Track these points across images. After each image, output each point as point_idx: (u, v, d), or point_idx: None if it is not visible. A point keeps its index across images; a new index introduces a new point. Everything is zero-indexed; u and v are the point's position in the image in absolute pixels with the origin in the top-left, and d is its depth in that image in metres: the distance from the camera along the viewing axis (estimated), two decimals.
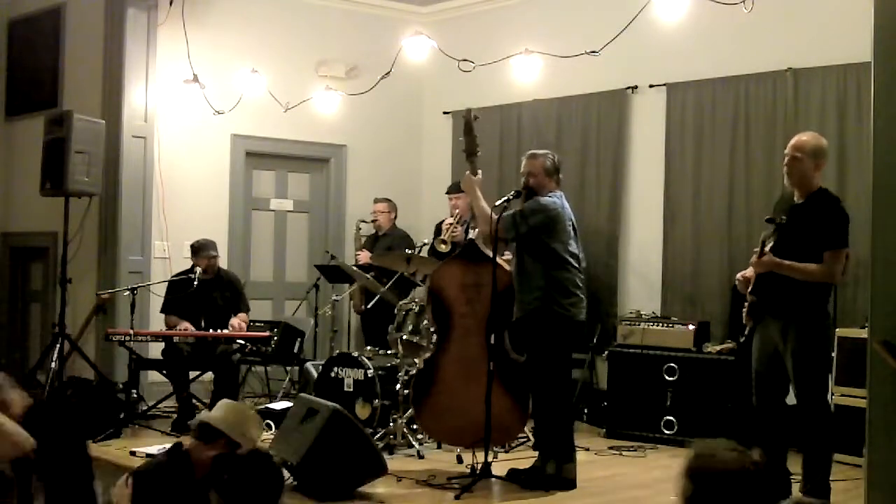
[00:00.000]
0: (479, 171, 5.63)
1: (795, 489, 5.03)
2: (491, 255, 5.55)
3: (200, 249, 7.28)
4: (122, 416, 6.68)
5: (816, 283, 4.88)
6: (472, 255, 5.80)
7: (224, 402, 4.19)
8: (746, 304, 5.03)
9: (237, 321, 7.18)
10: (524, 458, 5.92)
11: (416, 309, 6.50)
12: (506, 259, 5.88)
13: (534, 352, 5.52)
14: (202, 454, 3.87)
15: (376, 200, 8.54)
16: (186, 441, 4.00)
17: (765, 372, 5.07)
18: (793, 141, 5.06)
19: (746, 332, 5.13)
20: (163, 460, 3.99)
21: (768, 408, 5.09)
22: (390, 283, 7.19)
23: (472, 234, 5.93)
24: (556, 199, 5.51)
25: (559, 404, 5.48)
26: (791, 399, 5.04)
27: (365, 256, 8.25)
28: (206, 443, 3.88)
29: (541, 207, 5.44)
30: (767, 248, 4.84)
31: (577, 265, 5.51)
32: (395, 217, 8.49)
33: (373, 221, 8.51)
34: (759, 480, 2.46)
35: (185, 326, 7.10)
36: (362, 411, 6.37)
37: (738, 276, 5.14)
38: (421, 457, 6.08)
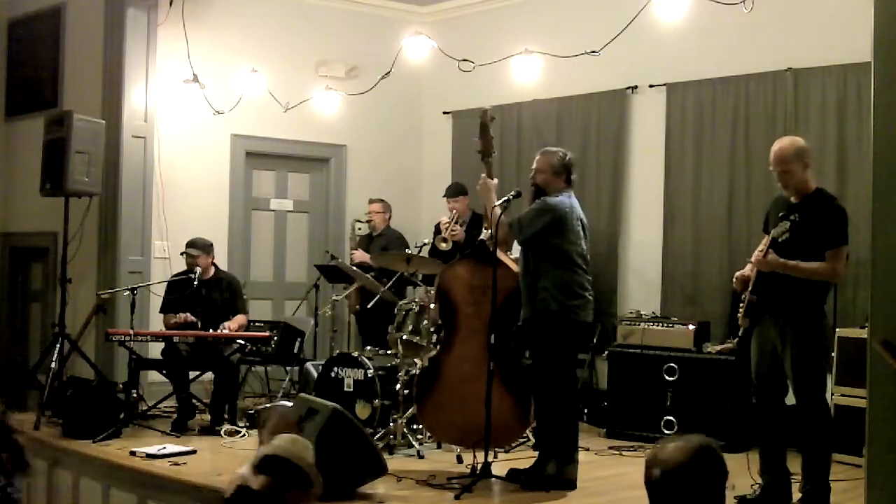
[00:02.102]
0: (496, 179, 5.62)
1: (795, 489, 5.05)
2: (502, 257, 5.55)
3: (185, 247, 7.29)
4: (122, 416, 6.68)
5: (815, 283, 4.90)
6: (481, 256, 5.79)
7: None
8: (742, 304, 5.04)
9: (231, 324, 7.16)
10: (524, 458, 5.92)
11: (416, 309, 6.50)
12: (515, 260, 5.86)
13: (539, 353, 5.51)
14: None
15: (371, 201, 8.55)
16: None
17: (765, 372, 5.08)
18: (773, 155, 5.01)
19: (741, 333, 5.14)
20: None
21: (768, 408, 5.10)
22: (390, 283, 7.20)
23: (483, 235, 5.90)
24: (565, 199, 5.48)
25: (564, 405, 5.47)
26: (791, 399, 5.05)
27: (360, 255, 8.25)
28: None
29: (548, 208, 5.43)
30: (781, 240, 4.83)
31: (584, 266, 5.49)
32: (390, 217, 8.50)
33: (367, 222, 8.52)
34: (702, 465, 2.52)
35: (186, 316, 7.09)
36: (362, 411, 6.37)
37: (736, 275, 5.14)
38: (421, 457, 6.08)
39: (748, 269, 5.08)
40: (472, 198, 7.23)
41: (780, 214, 4.93)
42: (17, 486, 3.93)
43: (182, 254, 7.31)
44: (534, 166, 5.59)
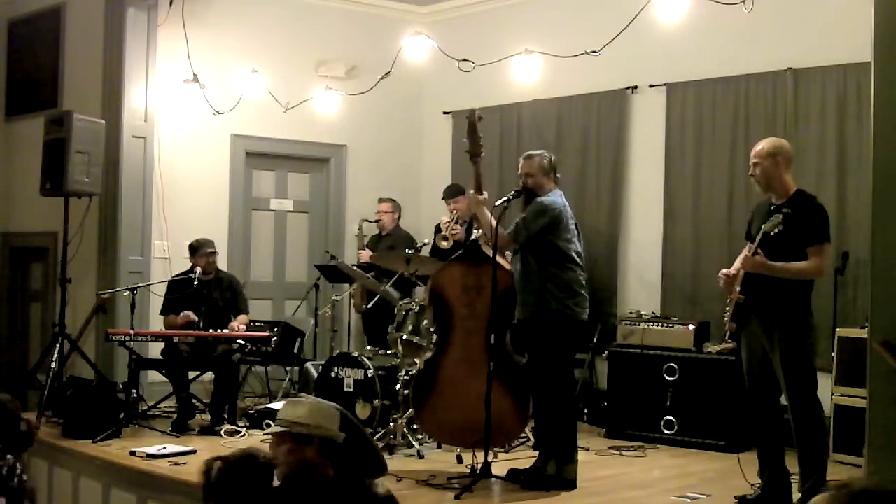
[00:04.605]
0: (486, 193, 5.60)
1: (795, 489, 5.04)
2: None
3: (199, 248, 7.27)
4: (122, 416, 6.68)
5: (799, 281, 4.93)
6: (473, 256, 5.79)
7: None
8: (728, 307, 5.06)
9: (237, 324, 7.17)
10: (524, 458, 5.93)
11: (416, 309, 6.50)
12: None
13: (537, 352, 5.51)
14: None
15: (381, 200, 8.55)
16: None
17: (756, 373, 5.10)
18: (751, 154, 5.16)
19: (727, 337, 5.15)
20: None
21: (763, 408, 5.11)
22: (390, 282, 7.19)
23: (475, 235, 5.91)
24: (557, 198, 5.51)
25: (563, 405, 5.47)
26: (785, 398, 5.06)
27: (366, 256, 8.25)
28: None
29: (544, 208, 5.44)
30: (774, 233, 4.83)
31: (580, 264, 5.51)
32: (399, 217, 8.50)
33: (376, 221, 8.52)
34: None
35: (188, 314, 7.08)
36: (362, 411, 6.37)
37: (722, 272, 5.15)
38: (421, 457, 6.08)
39: (733, 268, 5.12)
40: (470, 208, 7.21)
41: (772, 208, 4.94)
42: (19, 468, 3.95)
43: (202, 254, 7.21)
44: (523, 171, 5.58)
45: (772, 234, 4.84)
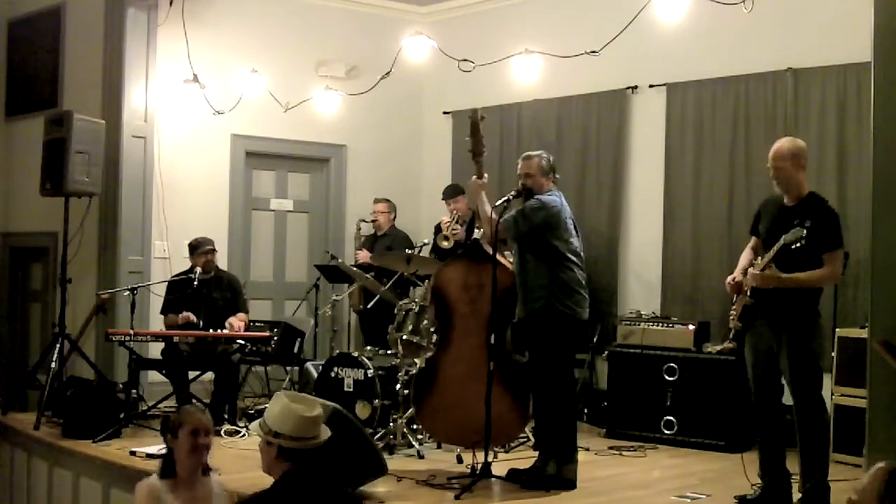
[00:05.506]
0: (486, 175, 5.63)
1: (795, 489, 5.04)
2: (497, 255, 5.56)
3: (198, 246, 7.28)
4: (122, 416, 6.68)
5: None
6: (475, 254, 5.79)
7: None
8: (735, 308, 5.06)
9: (235, 321, 7.17)
10: (524, 458, 5.93)
11: (416, 309, 6.50)
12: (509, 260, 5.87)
13: (537, 351, 5.52)
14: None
15: (376, 200, 8.56)
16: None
17: (761, 373, 5.10)
18: (771, 152, 5.06)
19: (732, 336, 5.15)
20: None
21: (765, 408, 5.11)
22: (390, 283, 7.20)
23: (476, 234, 5.92)
24: (556, 198, 5.52)
25: (563, 404, 5.47)
26: (787, 399, 5.06)
27: (364, 256, 8.26)
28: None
29: (542, 205, 5.45)
30: (795, 247, 4.79)
31: (579, 263, 5.52)
32: (395, 217, 8.52)
33: (372, 221, 8.53)
34: None
35: (188, 315, 7.08)
36: (362, 411, 6.38)
37: (729, 279, 5.15)
38: (421, 457, 6.08)
39: (738, 274, 5.11)
40: (471, 197, 7.23)
41: (795, 222, 4.88)
42: None
43: (200, 253, 7.20)
44: (521, 172, 5.59)
45: (793, 247, 4.79)
